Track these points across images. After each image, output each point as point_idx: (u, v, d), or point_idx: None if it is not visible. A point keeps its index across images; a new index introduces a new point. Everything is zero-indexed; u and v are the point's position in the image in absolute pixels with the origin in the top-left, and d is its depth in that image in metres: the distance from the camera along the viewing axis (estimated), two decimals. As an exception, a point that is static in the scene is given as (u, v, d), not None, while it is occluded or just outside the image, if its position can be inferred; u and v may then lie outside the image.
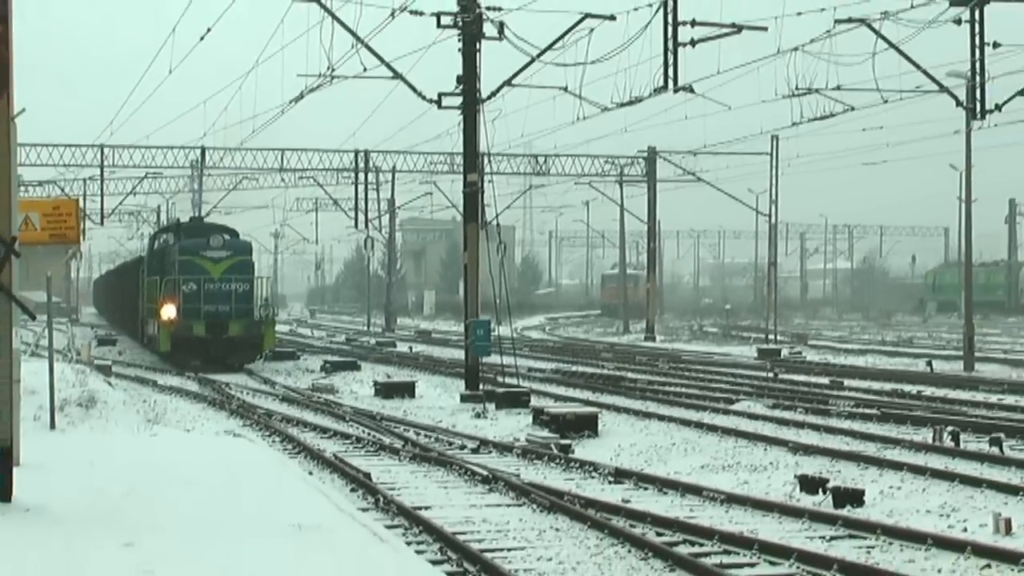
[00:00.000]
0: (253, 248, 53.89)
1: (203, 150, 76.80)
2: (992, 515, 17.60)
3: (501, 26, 37.06)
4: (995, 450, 24.72)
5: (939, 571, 14.85)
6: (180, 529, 14.86)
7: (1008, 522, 17.19)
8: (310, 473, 22.15)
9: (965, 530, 17.17)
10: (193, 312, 47.88)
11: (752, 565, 15.26)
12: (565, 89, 40.43)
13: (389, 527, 17.03)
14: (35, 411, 25.61)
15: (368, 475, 21.79)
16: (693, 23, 37.69)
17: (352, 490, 20.77)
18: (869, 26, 39.67)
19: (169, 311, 47.75)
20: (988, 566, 15.07)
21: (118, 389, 37.47)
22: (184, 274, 48.38)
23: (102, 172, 77.38)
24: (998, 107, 42.00)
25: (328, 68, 39.77)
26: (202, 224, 55.52)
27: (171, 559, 13.14)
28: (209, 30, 37.12)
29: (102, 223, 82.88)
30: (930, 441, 26.28)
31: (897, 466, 22.81)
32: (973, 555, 15.48)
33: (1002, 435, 25.83)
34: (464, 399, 35.88)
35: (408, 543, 15.96)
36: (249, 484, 18.82)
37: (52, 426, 25.77)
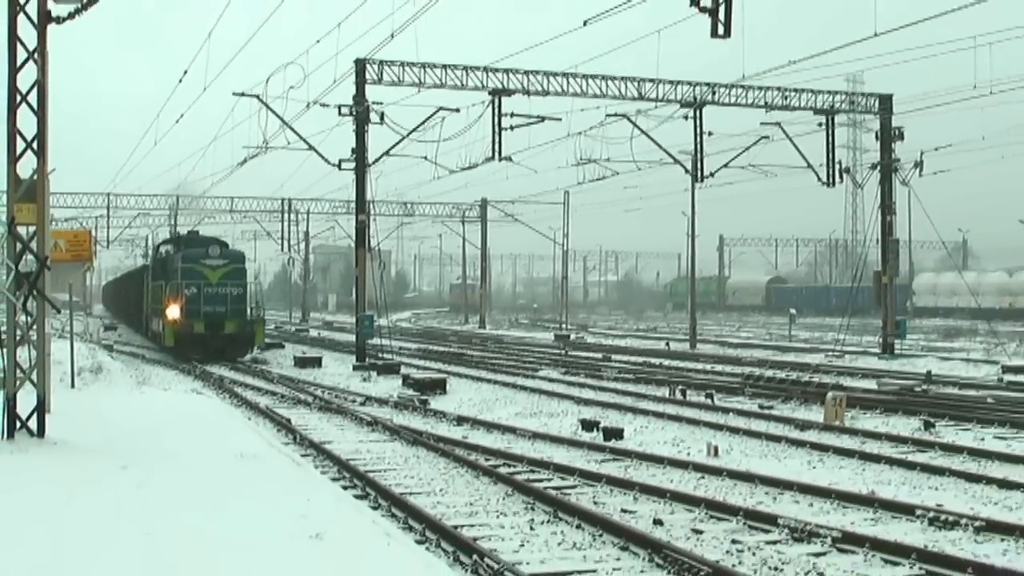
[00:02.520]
0: (246, 258, 45.20)
1: (177, 197, 76.58)
2: (706, 444, 17.95)
3: (382, 115, 37.28)
4: (708, 401, 25.20)
5: (671, 481, 15.08)
6: (160, 457, 14.70)
7: (716, 448, 17.56)
8: (249, 419, 21.89)
9: (688, 454, 17.45)
10: (194, 312, 40.46)
11: (549, 480, 15.36)
12: (425, 158, 40.41)
13: (303, 456, 16.95)
14: (61, 375, 25.30)
15: (289, 420, 21.57)
16: (512, 115, 38.24)
17: (278, 430, 20.54)
18: (629, 119, 40.41)
19: (173, 311, 40.62)
20: (703, 477, 15.37)
21: (118, 361, 36.85)
22: (186, 279, 40.87)
23: (108, 212, 76.09)
24: (712, 174, 43.12)
25: (264, 142, 39.81)
26: (199, 237, 47.28)
27: (154, 475, 13.03)
28: (182, 115, 36.87)
29: (107, 247, 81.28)
30: (667, 395, 26.74)
31: (645, 412, 23.10)
32: (693, 471, 15.78)
33: (713, 391, 26.35)
34: (355, 368, 35.64)
35: (316, 466, 15.87)
36: (208, 427, 18.62)
37: (72, 386, 25.44)
